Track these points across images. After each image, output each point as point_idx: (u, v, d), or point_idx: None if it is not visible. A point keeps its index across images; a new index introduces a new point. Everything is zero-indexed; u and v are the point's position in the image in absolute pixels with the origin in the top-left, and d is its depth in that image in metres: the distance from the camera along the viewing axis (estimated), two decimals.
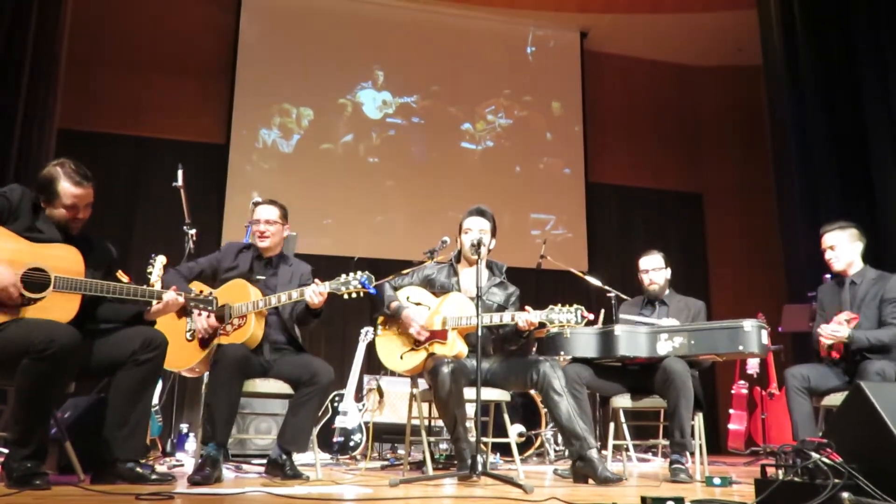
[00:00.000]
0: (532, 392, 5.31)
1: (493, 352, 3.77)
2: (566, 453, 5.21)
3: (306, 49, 7.83)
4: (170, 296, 2.94)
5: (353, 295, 3.31)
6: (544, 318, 3.37)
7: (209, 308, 3.09)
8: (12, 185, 2.84)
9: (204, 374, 3.53)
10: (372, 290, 3.33)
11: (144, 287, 2.95)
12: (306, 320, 3.56)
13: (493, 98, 8.33)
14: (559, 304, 3.38)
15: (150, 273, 4.43)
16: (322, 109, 7.81)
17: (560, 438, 5.40)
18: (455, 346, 3.45)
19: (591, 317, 3.47)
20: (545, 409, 4.61)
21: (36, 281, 2.68)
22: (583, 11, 8.41)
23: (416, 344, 3.56)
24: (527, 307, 3.45)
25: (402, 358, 3.60)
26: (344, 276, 3.34)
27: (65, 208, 2.80)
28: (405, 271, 3.82)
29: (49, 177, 2.79)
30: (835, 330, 3.59)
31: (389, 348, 3.65)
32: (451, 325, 3.47)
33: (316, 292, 3.29)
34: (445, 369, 3.28)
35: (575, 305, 3.37)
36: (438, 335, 3.51)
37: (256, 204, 3.75)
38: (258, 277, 3.53)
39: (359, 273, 3.32)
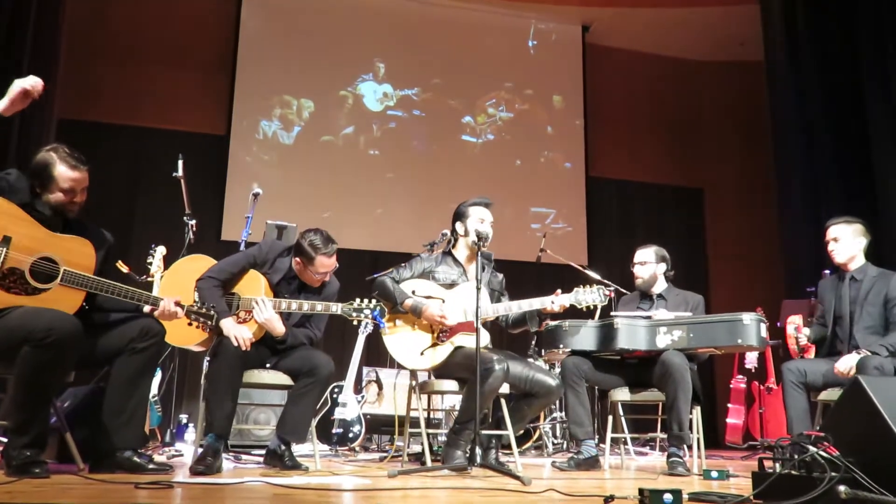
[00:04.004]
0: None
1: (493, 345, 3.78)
2: (565, 445, 5.24)
3: (307, 40, 7.81)
4: (166, 305, 2.93)
5: (362, 323, 3.37)
6: (573, 300, 3.57)
7: (208, 322, 3.08)
8: (10, 169, 2.83)
9: (204, 364, 3.54)
10: (383, 324, 3.42)
11: (146, 293, 2.94)
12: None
13: (494, 91, 8.31)
14: (582, 286, 3.60)
15: (151, 264, 4.44)
16: (323, 101, 7.79)
17: (558, 431, 5.43)
18: (483, 336, 3.45)
19: (612, 294, 3.72)
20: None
21: (44, 271, 2.68)
22: (585, 5, 8.38)
23: (438, 338, 3.56)
24: (557, 290, 3.60)
25: (422, 354, 3.56)
26: (358, 301, 3.39)
27: (62, 192, 2.78)
28: (402, 265, 3.80)
29: (44, 162, 2.78)
30: (847, 363, 3.51)
31: (405, 346, 3.58)
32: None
33: (329, 311, 3.37)
34: (498, 367, 3.32)
35: (596, 286, 3.59)
36: (464, 327, 3.52)
37: (318, 254, 3.42)
38: (285, 295, 3.48)
39: (373, 302, 3.39)
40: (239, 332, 3.24)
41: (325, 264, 3.44)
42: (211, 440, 3.12)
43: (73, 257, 2.75)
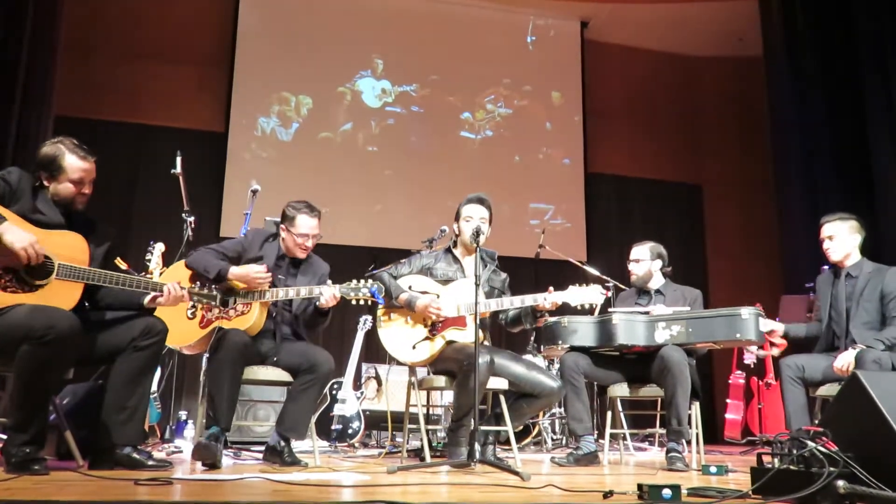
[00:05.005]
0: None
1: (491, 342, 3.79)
2: (564, 441, 5.25)
3: (305, 37, 7.79)
4: (171, 288, 2.93)
5: (361, 301, 3.38)
6: (567, 298, 3.54)
7: (212, 303, 3.09)
8: (10, 167, 2.83)
9: (203, 361, 3.54)
10: (381, 300, 3.43)
11: (148, 279, 2.94)
12: (315, 322, 3.60)
13: (493, 87, 8.30)
14: (578, 284, 3.58)
15: (149, 260, 4.44)
16: (321, 98, 7.78)
17: (557, 427, 5.44)
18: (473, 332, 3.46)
19: (609, 294, 3.61)
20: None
21: (39, 267, 2.68)
22: (583, 1, 8.37)
23: (430, 332, 3.56)
24: (550, 287, 3.57)
25: (414, 348, 3.57)
26: (355, 281, 3.40)
27: (72, 183, 2.80)
28: (400, 261, 3.83)
29: (52, 153, 2.80)
30: (845, 361, 3.49)
31: (398, 339, 3.60)
32: (468, 311, 3.48)
33: (329, 295, 3.35)
34: (482, 360, 3.29)
35: (593, 285, 3.56)
36: (456, 322, 3.52)
37: (299, 213, 3.51)
38: (279, 277, 3.50)
39: (369, 282, 3.40)
40: (252, 270, 3.29)
41: (308, 224, 3.49)
42: (214, 431, 3.14)
43: (66, 251, 2.75)
